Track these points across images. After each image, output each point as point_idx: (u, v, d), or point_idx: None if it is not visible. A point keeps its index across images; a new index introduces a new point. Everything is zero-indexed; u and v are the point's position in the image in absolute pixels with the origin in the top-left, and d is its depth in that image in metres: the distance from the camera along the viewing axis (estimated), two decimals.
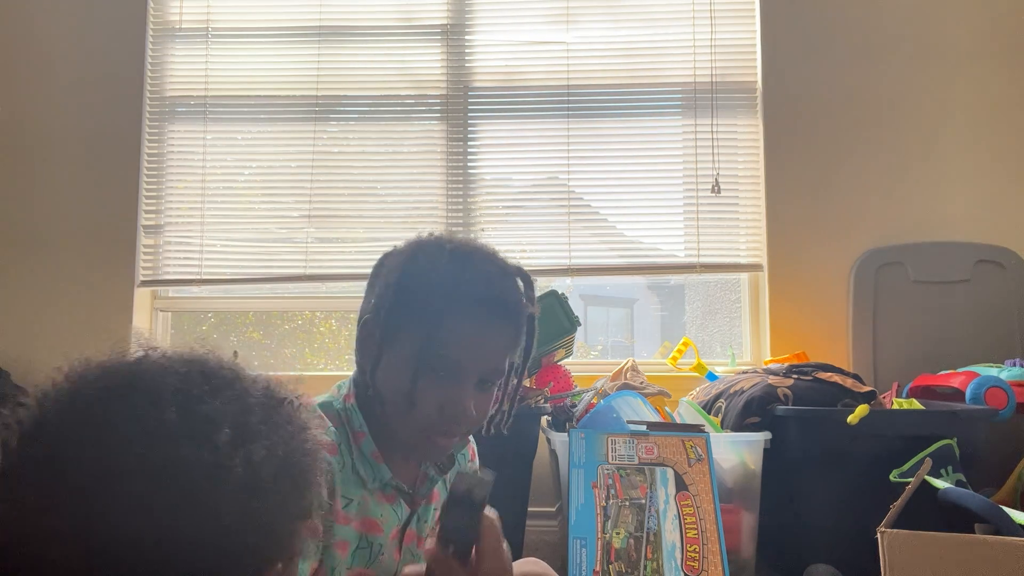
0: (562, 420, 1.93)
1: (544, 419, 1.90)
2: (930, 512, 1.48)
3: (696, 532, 1.49)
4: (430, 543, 0.85)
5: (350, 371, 1.09)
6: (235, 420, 0.56)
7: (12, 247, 2.56)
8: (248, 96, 2.61)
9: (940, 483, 1.56)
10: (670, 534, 1.49)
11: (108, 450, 0.52)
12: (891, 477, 1.66)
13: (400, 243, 1.02)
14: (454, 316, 0.91)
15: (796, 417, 1.75)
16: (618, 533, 1.49)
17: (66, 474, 0.52)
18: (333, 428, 0.93)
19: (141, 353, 0.60)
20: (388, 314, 0.93)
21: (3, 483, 0.54)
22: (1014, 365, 2.00)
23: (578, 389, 2.06)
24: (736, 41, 2.55)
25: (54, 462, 0.53)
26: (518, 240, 2.57)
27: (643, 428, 1.66)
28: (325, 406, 0.98)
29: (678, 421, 1.88)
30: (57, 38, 2.59)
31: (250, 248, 2.57)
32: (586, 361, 2.62)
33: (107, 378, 0.57)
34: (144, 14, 2.61)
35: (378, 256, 1.05)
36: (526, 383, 2.06)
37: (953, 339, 2.29)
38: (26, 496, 0.52)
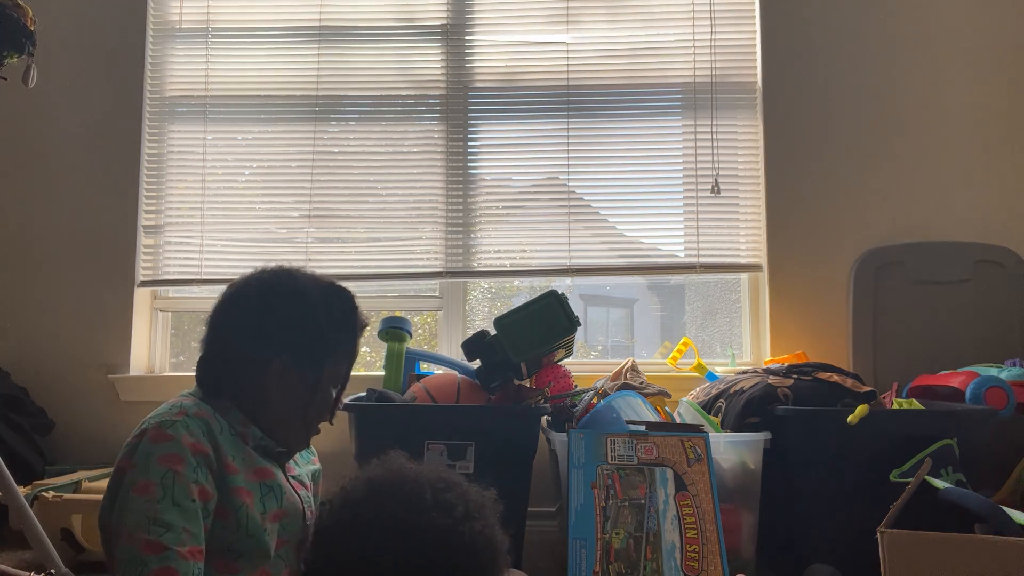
0: (562, 420, 1.93)
1: (544, 419, 1.90)
2: (930, 512, 1.48)
3: (696, 532, 1.49)
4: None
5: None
6: (465, 504, 1.05)
7: (12, 247, 2.56)
8: (248, 96, 2.61)
9: (940, 483, 1.56)
10: (670, 534, 1.49)
11: (387, 515, 1.04)
12: (891, 477, 1.66)
13: (258, 282, 1.17)
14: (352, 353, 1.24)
15: (796, 417, 1.75)
16: (618, 533, 1.49)
17: (352, 538, 1.04)
18: (194, 414, 1.05)
19: (401, 463, 1.12)
20: (316, 352, 1.16)
21: (315, 542, 1.10)
22: (1014, 365, 2.00)
23: (578, 389, 2.06)
24: (736, 41, 2.55)
25: (352, 527, 1.05)
26: (518, 240, 2.57)
27: (643, 428, 1.66)
28: (181, 406, 1.06)
29: (678, 421, 1.88)
30: (57, 38, 2.59)
31: (250, 248, 2.57)
32: (586, 361, 2.62)
33: (384, 481, 1.09)
34: (144, 14, 2.61)
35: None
36: (526, 383, 2.06)
37: (953, 339, 2.29)
38: (323, 558, 1.07)
